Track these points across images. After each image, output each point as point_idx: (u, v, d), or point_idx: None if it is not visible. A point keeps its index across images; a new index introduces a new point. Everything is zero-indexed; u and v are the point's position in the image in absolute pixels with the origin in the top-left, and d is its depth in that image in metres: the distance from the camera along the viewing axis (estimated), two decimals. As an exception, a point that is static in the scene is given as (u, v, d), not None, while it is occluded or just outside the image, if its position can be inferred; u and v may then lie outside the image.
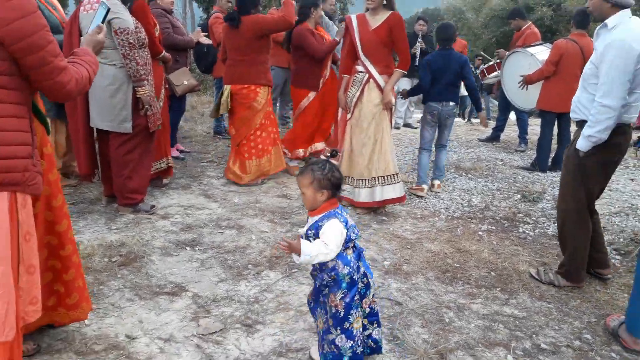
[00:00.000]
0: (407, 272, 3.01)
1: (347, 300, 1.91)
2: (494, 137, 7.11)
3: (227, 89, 4.36)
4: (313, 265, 1.96)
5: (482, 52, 11.53)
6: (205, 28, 5.84)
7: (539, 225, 3.87)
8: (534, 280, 3.00)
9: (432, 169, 4.83)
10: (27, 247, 1.62)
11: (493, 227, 3.83)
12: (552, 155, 5.53)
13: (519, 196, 4.56)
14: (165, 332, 2.25)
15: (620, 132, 2.67)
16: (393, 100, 3.85)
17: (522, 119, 6.66)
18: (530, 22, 6.76)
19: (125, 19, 3.30)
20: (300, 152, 4.91)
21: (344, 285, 1.91)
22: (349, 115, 3.97)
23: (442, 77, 4.46)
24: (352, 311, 1.92)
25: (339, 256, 1.90)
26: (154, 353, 2.11)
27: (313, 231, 1.89)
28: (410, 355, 2.20)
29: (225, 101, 4.36)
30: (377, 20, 3.77)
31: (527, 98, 5.74)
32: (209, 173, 4.82)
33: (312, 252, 1.81)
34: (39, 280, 1.70)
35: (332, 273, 1.90)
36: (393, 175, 3.88)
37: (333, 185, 1.90)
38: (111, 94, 3.36)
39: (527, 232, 3.76)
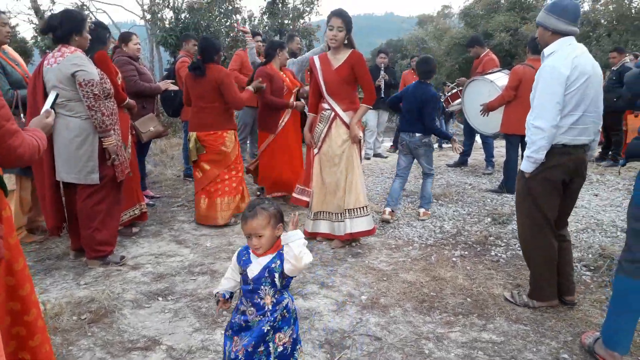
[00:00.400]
0: (384, 305, 3.00)
1: (295, 336, 1.91)
2: (462, 162, 7.27)
3: (192, 135, 4.39)
4: (262, 308, 1.85)
5: (446, 81, 11.92)
6: (172, 72, 5.90)
7: (511, 247, 3.93)
8: (510, 303, 3.03)
9: (419, 198, 5.00)
10: None
11: (466, 252, 3.88)
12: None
13: (489, 219, 4.64)
14: (138, 391, 2.18)
15: (562, 153, 2.76)
16: (360, 134, 3.92)
17: (488, 142, 6.84)
18: (489, 50, 7.03)
19: (90, 71, 3.30)
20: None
21: (291, 320, 1.90)
22: (315, 150, 4.02)
23: (412, 108, 4.61)
24: (297, 347, 1.93)
25: (288, 292, 1.91)
26: (127, 414, 2.03)
27: (278, 263, 1.83)
28: (391, 393, 2.18)
29: (194, 148, 4.38)
30: (338, 59, 3.85)
31: (489, 123, 5.92)
32: (180, 218, 4.76)
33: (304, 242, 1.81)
34: (2, 347, 1.62)
35: (285, 310, 1.88)
36: (363, 207, 3.91)
37: (282, 217, 1.92)
38: (77, 145, 3.33)
39: (499, 254, 3.82)
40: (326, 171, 3.95)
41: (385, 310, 2.93)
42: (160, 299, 3.06)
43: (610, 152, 7.27)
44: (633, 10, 15.71)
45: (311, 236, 4.10)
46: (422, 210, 4.81)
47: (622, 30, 15.46)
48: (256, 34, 6.61)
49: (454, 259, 3.75)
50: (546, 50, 2.77)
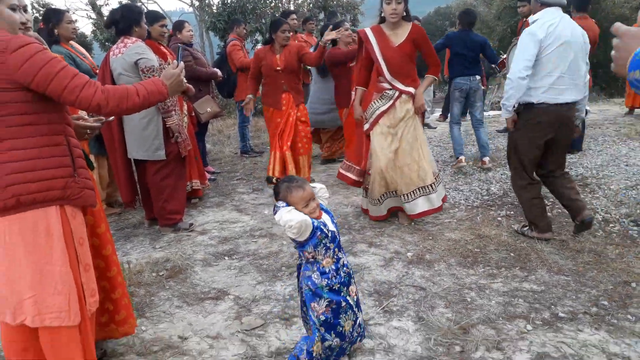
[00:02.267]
0: (429, 260, 3.21)
1: None
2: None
3: None
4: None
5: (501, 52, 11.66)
6: (224, 56, 6.18)
7: (557, 206, 3.98)
8: (552, 257, 3.14)
9: (478, 148, 5.25)
10: (81, 250, 1.88)
11: (512, 212, 3.98)
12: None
13: (537, 181, 4.67)
14: (212, 331, 2.52)
15: (543, 112, 3.14)
16: (425, 104, 3.72)
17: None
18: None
19: (150, 58, 3.65)
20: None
21: None
22: (366, 126, 3.77)
23: (466, 53, 4.85)
24: None
25: None
26: (204, 349, 2.38)
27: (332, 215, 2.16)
28: (435, 332, 2.40)
29: None
30: (399, 35, 3.60)
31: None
32: (240, 190, 5.14)
33: None
34: (94, 276, 1.98)
35: None
36: (431, 185, 3.69)
37: None
38: (144, 126, 3.71)
39: (545, 213, 3.89)
40: (385, 146, 3.66)
41: (430, 265, 3.14)
42: (226, 258, 3.42)
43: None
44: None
45: (378, 219, 3.90)
46: (486, 158, 5.07)
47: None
48: (290, 12, 6.71)
49: (499, 218, 3.87)
50: (531, 19, 3.17)
